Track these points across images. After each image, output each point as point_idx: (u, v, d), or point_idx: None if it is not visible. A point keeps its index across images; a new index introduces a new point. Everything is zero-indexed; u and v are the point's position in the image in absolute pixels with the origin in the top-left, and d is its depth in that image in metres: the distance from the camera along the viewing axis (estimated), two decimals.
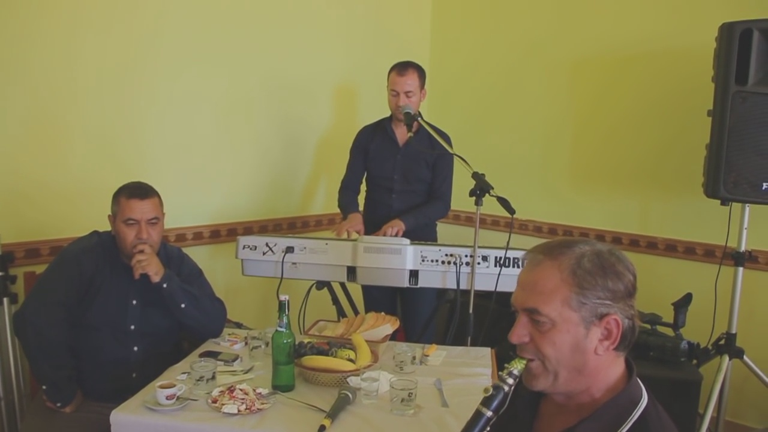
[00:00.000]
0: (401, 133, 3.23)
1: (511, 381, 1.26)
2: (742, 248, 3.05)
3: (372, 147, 3.36)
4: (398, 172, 3.29)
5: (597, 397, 1.24)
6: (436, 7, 4.58)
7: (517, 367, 1.26)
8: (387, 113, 3.39)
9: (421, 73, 3.23)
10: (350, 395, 1.99)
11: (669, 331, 3.08)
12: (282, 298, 2.12)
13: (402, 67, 3.20)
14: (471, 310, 2.77)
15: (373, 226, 3.24)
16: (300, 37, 3.78)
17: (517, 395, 1.30)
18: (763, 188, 2.78)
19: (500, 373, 1.28)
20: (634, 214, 3.72)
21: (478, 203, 2.63)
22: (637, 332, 1.25)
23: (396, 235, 3.01)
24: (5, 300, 2.71)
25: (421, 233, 3.18)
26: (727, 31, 2.78)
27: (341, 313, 3.15)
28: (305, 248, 2.85)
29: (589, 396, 1.25)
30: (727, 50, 2.78)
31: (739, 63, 2.76)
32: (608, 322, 1.20)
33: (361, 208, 3.45)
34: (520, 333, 1.25)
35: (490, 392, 1.26)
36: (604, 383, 1.24)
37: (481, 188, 2.60)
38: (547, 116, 4.06)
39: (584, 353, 1.21)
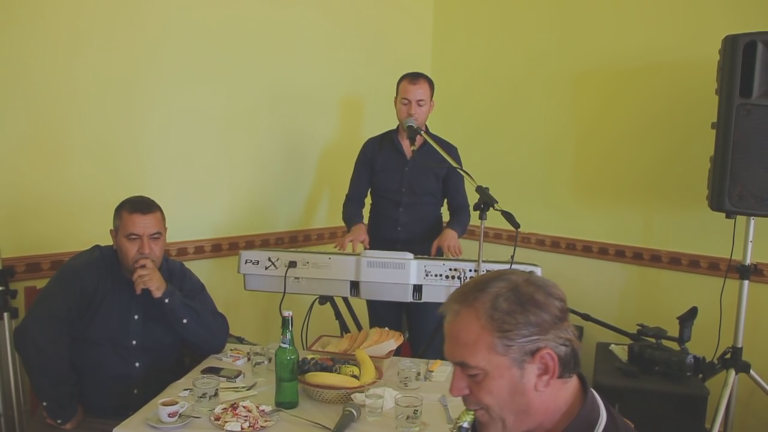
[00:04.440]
0: (408, 146, 3.22)
1: None
2: (747, 261, 3.03)
3: (379, 160, 3.34)
4: (406, 185, 3.28)
5: (552, 430, 1.21)
6: (438, 18, 4.58)
7: (466, 419, 1.25)
8: (389, 125, 3.38)
9: (431, 83, 3.24)
10: (355, 412, 1.97)
11: (674, 345, 3.06)
12: (285, 313, 2.10)
13: (413, 77, 3.20)
14: None
15: (379, 241, 3.22)
16: (301, 49, 3.79)
17: None
18: None
19: (450, 428, 1.26)
20: (638, 227, 3.70)
21: (482, 217, 2.61)
22: (579, 353, 1.20)
23: (457, 254, 3.04)
24: (6, 315, 2.70)
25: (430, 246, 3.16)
26: (731, 43, 2.77)
27: (344, 329, 3.13)
28: (308, 263, 2.83)
29: (544, 431, 1.21)
30: (731, 63, 2.77)
31: (743, 75, 2.75)
32: (542, 357, 1.16)
33: (365, 221, 3.43)
34: (458, 386, 1.23)
35: None
36: (556, 414, 1.21)
37: (485, 202, 2.58)
38: (550, 129, 4.05)
39: (524, 394, 1.17)
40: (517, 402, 1.18)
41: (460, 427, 1.24)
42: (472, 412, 1.23)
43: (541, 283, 1.20)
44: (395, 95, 3.27)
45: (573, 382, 1.23)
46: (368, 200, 3.48)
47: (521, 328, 1.15)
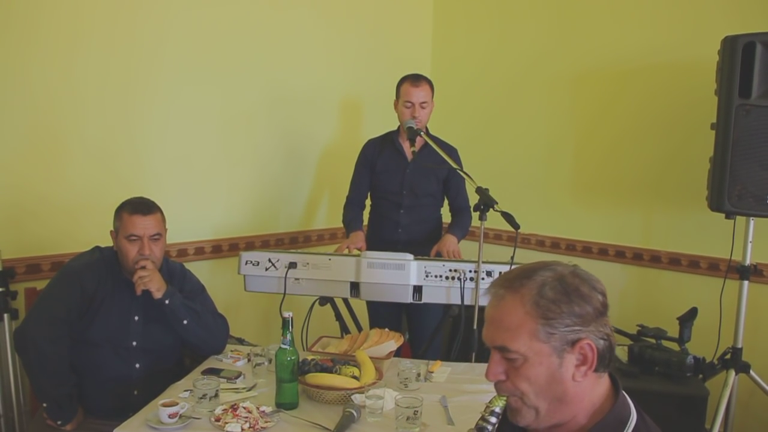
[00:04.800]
0: (409, 147, 3.21)
1: (493, 420, 1.24)
2: (747, 262, 3.03)
3: (379, 161, 3.34)
4: (407, 187, 3.28)
5: (584, 424, 1.22)
6: (437, 19, 4.59)
7: (498, 404, 1.25)
8: (389, 126, 3.38)
9: (431, 84, 3.24)
10: (355, 413, 1.97)
11: (674, 346, 3.06)
12: (286, 315, 2.10)
13: (415, 79, 3.19)
14: (475, 326, 2.75)
15: (379, 242, 3.22)
16: (300, 51, 3.79)
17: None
18: None
19: (482, 412, 1.26)
20: (637, 228, 3.71)
21: (482, 218, 2.62)
22: (614, 350, 1.22)
23: (456, 257, 3.03)
24: (6, 316, 2.70)
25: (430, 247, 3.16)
26: (730, 44, 2.78)
27: (344, 330, 3.13)
28: (308, 264, 2.83)
29: (576, 424, 1.22)
30: (730, 63, 2.78)
31: (742, 76, 2.76)
32: (582, 347, 1.18)
33: (365, 222, 3.43)
34: (495, 371, 1.23)
35: None
36: (589, 408, 1.22)
37: (485, 203, 2.59)
38: (549, 130, 4.06)
39: (561, 383, 1.18)
40: (554, 390, 1.19)
41: (492, 411, 1.24)
42: (504, 398, 1.24)
43: (585, 277, 1.22)
44: (396, 98, 3.26)
45: (606, 381, 1.25)
46: (368, 201, 3.48)
47: (565, 317, 1.17)
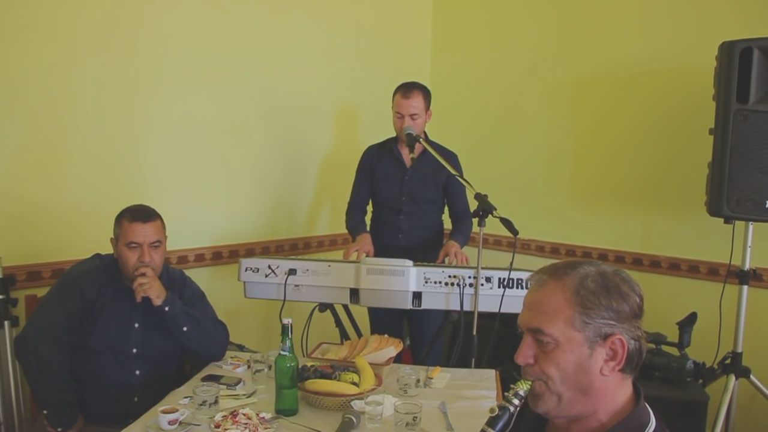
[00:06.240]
0: (408, 154, 3.21)
1: (516, 402, 1.26)
2: (746, 266, 3.03)
3: (378, 168, 3.35)
4: (406, 194, 3.28)
5: (604, 422, 1.23)
6: (437, 27, 4.61)
7: (522, 388, 1.26)
8: (389, 132, 3.39)
9: (426, 94, 3.22)
10: (354, 419, 1.97)
11: (674, 351, 3.06)
12: (285, 321, 2.11)
13: (407, 90, 3.19)
14: (475, 332, 2.75)
15: (380, 248, 3.21)
16: (300, 59, 3.80)
17: (521, 418, 1.29)
18: (767, 206, 2.78)
19: (506, 393, 1.28)
20: (637, 233, 3.71)
21: (481, 224, 2.63)
22: (644, 354, 1.24)
23: (464, 262, 3.01)
24: (6, 323, 2.70)
25: (433, 254, 3.15)
26: (727, 49, 2.79)
27: (344, 336, 3.13)
28: (308, 270, 2.83)
29: (596, 421, 1.23)
30: (727, 69, 2.78)
31: (740, 81, 2.77)
32: (613, 342, 1.20)
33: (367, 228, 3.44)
34: (525, 354, 1.25)
35: (496, 412, 1.25)
36: (611, 407, 1.23)
37: (484, 209, 2.59)
38: (549, 136, 4.07)
39: (589, 373, 1.20)
40: (580, 380, 1.21)
41: (516, 392, 1.25)
42: (529, 383, 1.26)
43: (626, 278, 1.26)
44: (392, 105, 3.27)
45: (629, 386, 1.27)
46: (369, 207, 3.48)
47: (602, 310, 1.20)
